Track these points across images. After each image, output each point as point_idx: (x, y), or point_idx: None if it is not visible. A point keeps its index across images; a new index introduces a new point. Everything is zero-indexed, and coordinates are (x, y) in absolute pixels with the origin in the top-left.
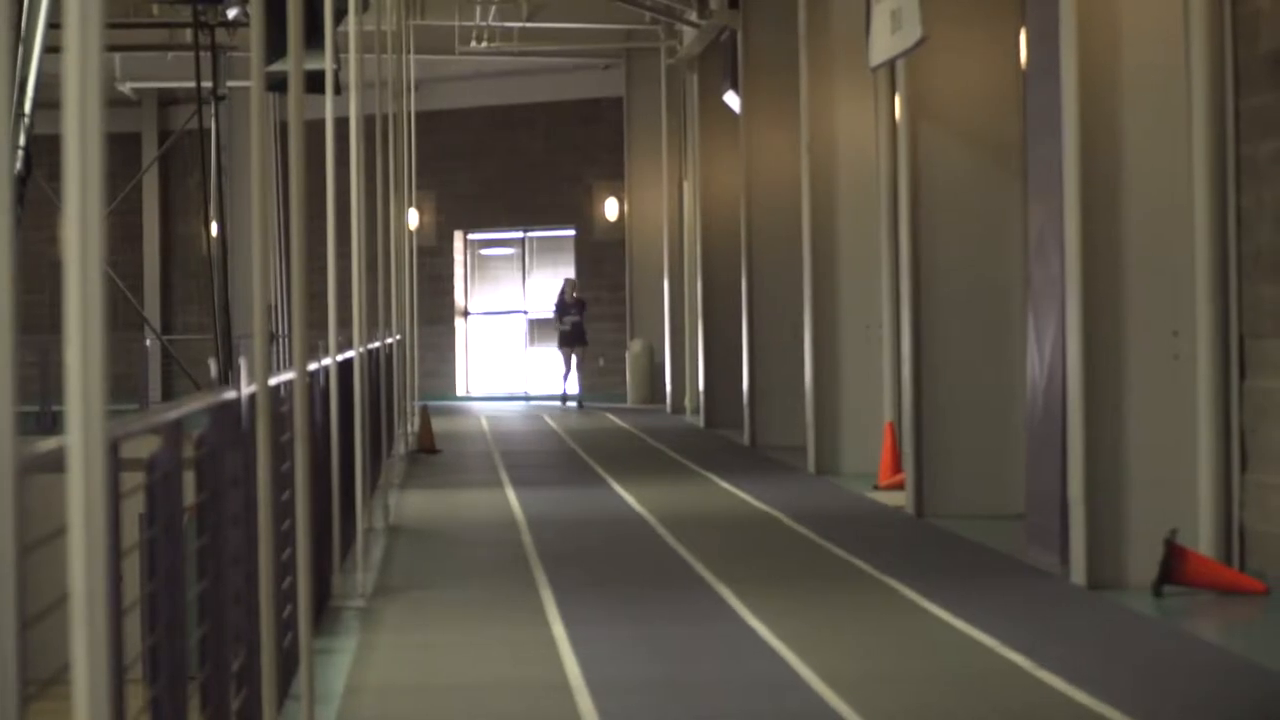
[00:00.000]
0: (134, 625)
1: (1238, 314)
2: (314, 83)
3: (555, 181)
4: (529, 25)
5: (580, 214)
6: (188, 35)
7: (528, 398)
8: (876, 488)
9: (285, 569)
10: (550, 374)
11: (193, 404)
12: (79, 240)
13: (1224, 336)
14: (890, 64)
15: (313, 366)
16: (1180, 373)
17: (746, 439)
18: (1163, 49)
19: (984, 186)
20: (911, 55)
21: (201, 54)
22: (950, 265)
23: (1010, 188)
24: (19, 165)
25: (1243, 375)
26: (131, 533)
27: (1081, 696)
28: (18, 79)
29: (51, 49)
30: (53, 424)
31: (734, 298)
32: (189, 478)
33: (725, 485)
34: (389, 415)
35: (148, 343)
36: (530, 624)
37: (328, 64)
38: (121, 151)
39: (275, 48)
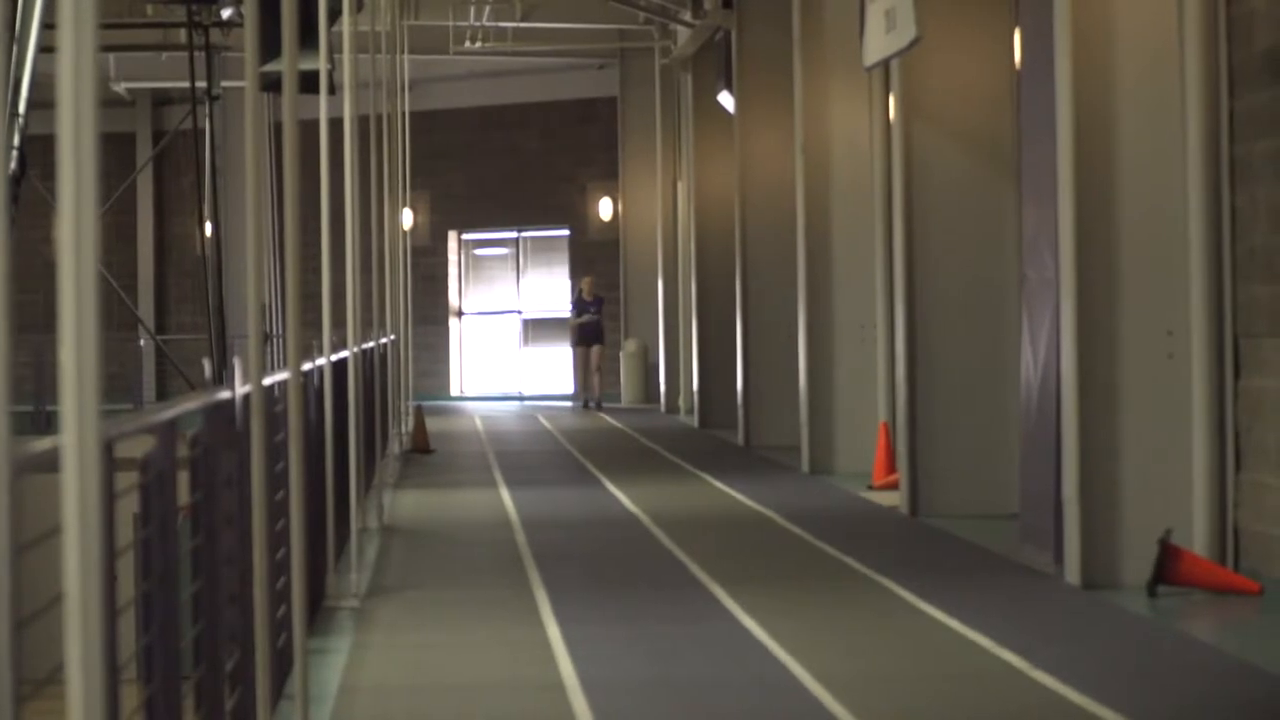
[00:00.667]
0: (128, 625)
1: (1232, 313)
2: (308, 83)
3: (549, 181)
4: (523, 25)
5: (574, 214)
6: (182, 35)
7: (522, 398)
8: (871, 487)
9: (280, 569)
10: (544, 374)
11: (187, 404)
12: (73, 240)
13: (1218, 336)
14: (885, 64)
15: (307, 366)
16: (1175, 372)
17: (741, 439)
18: (1157, 49)
19: (978, 186)
20: (906, 55)
21: (196, 54)
22: (944, 265)
23: (1004, 187)
24: (13, 165)
25: (1237, 375)
26: (126, 533)
27: (1075, 696)
28: (12, 79)
29: (46, 49)
30: (47, 424)
31: (728, 298)
32: (183, 478)
33: (719, 485)
34: (383, 415)
35: (142, 342)
36: (524, 624)
37: (322, 64)
38: (116, 151)
39: (269, 48)
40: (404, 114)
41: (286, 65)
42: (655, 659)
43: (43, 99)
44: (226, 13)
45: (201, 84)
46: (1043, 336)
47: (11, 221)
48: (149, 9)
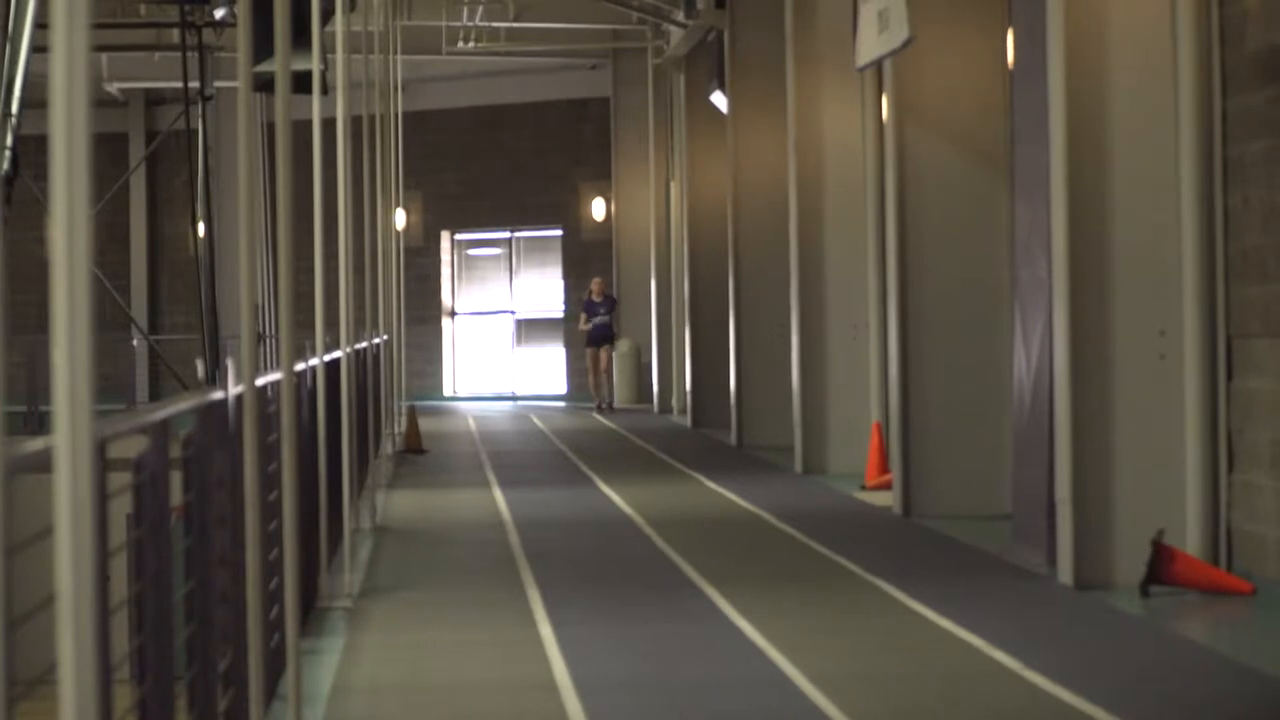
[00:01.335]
0: (121, 625)
1: (1225, 314)
2: (301, 83)
3: (542, 181)
4: (516, 25)
5: (567, 214)
6: (175, 35)
7: (515, 398)
8: (864, 488)
9: (272, 569)
10: (537, 374)
11: (180, 404)
12: (66, 240)
13: (1211, 337)
14: (877, 64)
15: (300, 367)
16: (1167, 373)
17: (734, 439)
18: (1150, 49)
19: (970, 187)
20: (898, 55)
21: (189, 54)
22: (937, 265)
23: (997, 188)
24: (6, 165)
25: (1230, 375)
26: (119, 533)
27: (1068, 696)
28: (5, 79)
29: (38, 49)
30: (40, 424)
31: (721, 298)
32: (176, 478)
33: (712, 485)
34: (376, 415)
35: (135, 343)
36: (517, 624)
37: (315, 64)
38: (108, 151)
39: (262, 48)
40: (397, 114)
41: (279, 65)
42: (648, 659)
43: (36, 99)
44: (219, 13)
45: (194, 84)
46: (1035, 337)
47: (4, 222)
48: (142, 9)
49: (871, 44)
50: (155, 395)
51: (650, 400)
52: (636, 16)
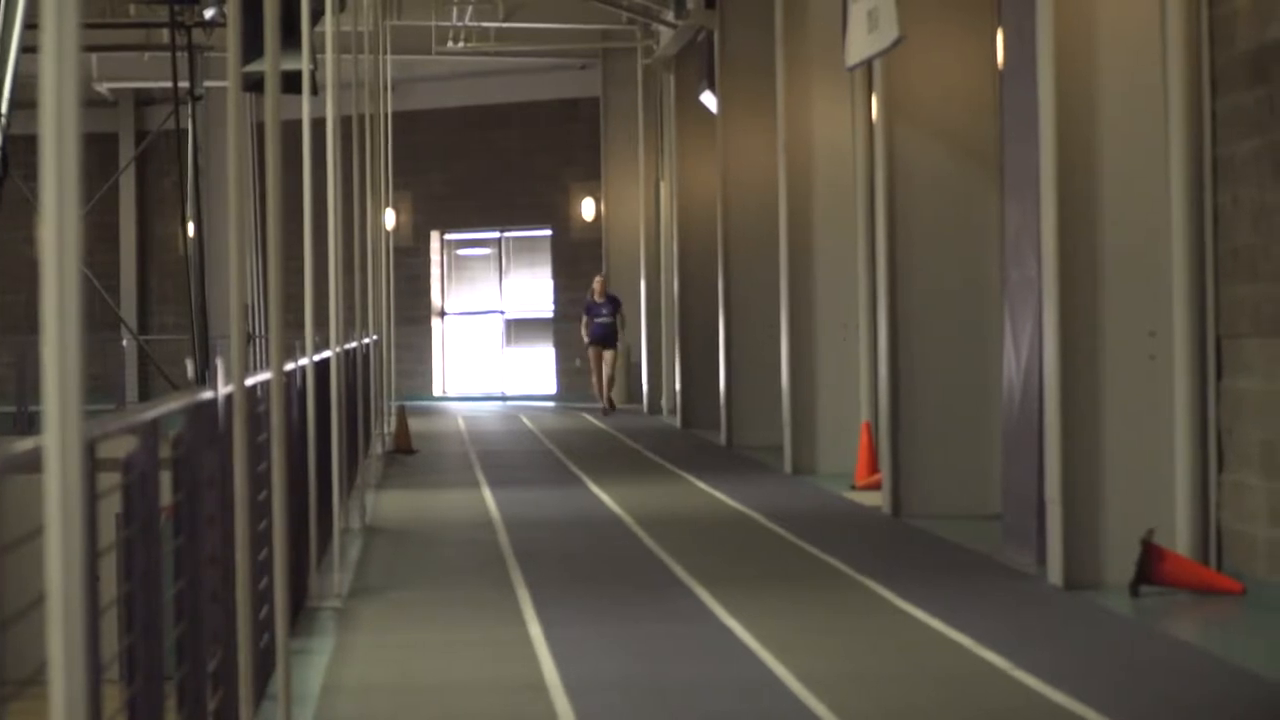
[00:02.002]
0: (111, 625)
1: (1215, 314)
2: (291, 83)
3: (532, 181)
4: (505, 25)
5: (557, 214)
6: (165, 35)
7: (504, 398)
8: (853, 487)
9: (262, 569)
10: (527, 374)
11: (170, 404)
12: (56, 240)
13: (1201, 336)
14: (867, 64)
15: (290, 367)
16: (1157, 373)
17: (723, 439)
18: (1139, 49)
19: (960, 186)
20: (888, 55)
21: (178, 54)
22: (926, 265)
23: (986, 187)
24: None
25: (1219, 375)
26: (108, 533)
27: (1058, 696)
28: None
29: (28, 49)
30: (30, 424)
31: (710, 298)
32: (166, 478)
33: (702, 485)
34: (366, 415)
35: (124, 343)
36: (507, 624)
37: (304, 64)
38: (98, 152)
39: (252, 48)
40: (386, 114)
41: (269, 65)
42: (637, 659)
43: (25, 99)
44: (209, 13)
45: (184, 84)
46: (1025, 336)
47: None
48: (131, 9)
49: (861, 44)
50: (145, 395)
51: (640, 400)
52: (626, 17)
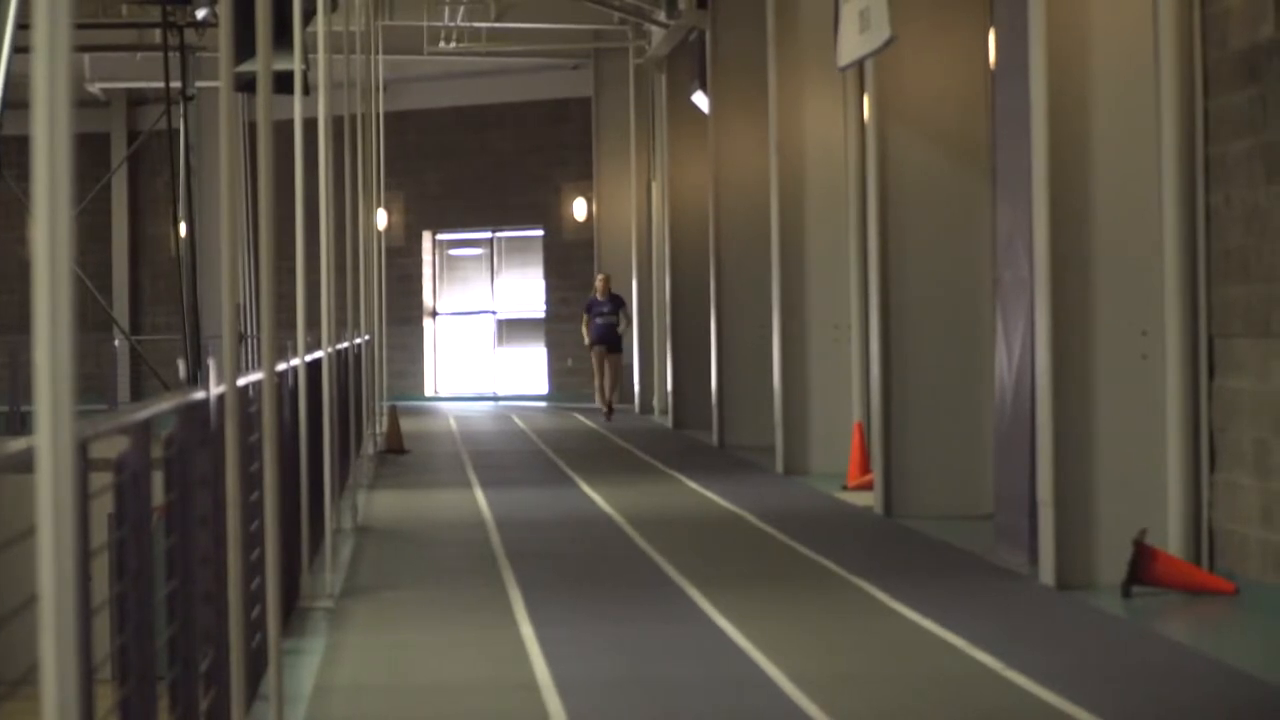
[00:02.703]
0: (103, 626)
1: (1206, 314)
2: (282, 83)
3: (523, 182)
4: (497, 26)
5: (548, 214)
6: (157, 35)
7: (496, 398)
8: (845, 488)
9: (254, 569)
10: (519, 375)
11: (161, 404)
12: (48, 240)
13: (1193, 336)
14: (859, 64)
15: (281, 367)
16: (1149, 372)
17: (715, 439)
18: (1132, 49)
19: (952, 186)
20: (880, 55)
21: (170, 54)
22: (919, 265)
23: (979, 188)
24: None
25: (1211, 375)
26: (100, 533)
27: (1050, 697)
28: None
29: (20, 49)
30: (21, 424)
31: (702, 298)
32: (158, 478)
33: (694, 486)
34: (357, 415)
35: (116, 343)
36: (499, 624)
37: (296, 64)
38: (90, 152)
39: (244, 48)
40: (378, 114)
41: (261, 66)
42: (629, 659)
43: (17, 99)
44: (201, 13)
45: (176, 84)
46: (1017, 336)
47: None
48: (124, 9)
49: (853, 44)
50: (137, 395)
51: (632, 401)
52: (618, 17)
